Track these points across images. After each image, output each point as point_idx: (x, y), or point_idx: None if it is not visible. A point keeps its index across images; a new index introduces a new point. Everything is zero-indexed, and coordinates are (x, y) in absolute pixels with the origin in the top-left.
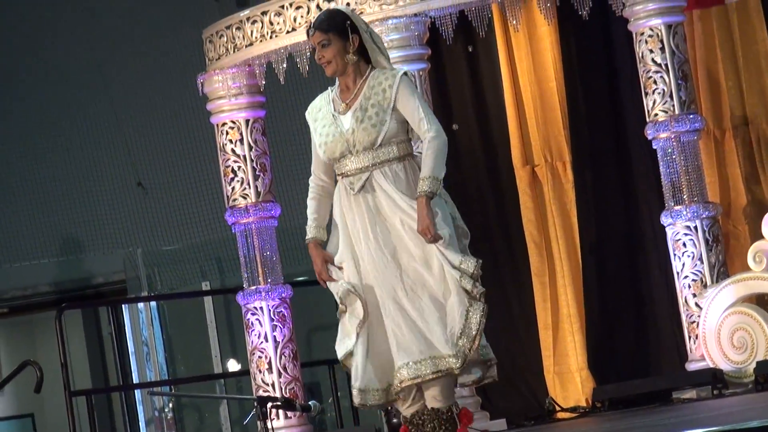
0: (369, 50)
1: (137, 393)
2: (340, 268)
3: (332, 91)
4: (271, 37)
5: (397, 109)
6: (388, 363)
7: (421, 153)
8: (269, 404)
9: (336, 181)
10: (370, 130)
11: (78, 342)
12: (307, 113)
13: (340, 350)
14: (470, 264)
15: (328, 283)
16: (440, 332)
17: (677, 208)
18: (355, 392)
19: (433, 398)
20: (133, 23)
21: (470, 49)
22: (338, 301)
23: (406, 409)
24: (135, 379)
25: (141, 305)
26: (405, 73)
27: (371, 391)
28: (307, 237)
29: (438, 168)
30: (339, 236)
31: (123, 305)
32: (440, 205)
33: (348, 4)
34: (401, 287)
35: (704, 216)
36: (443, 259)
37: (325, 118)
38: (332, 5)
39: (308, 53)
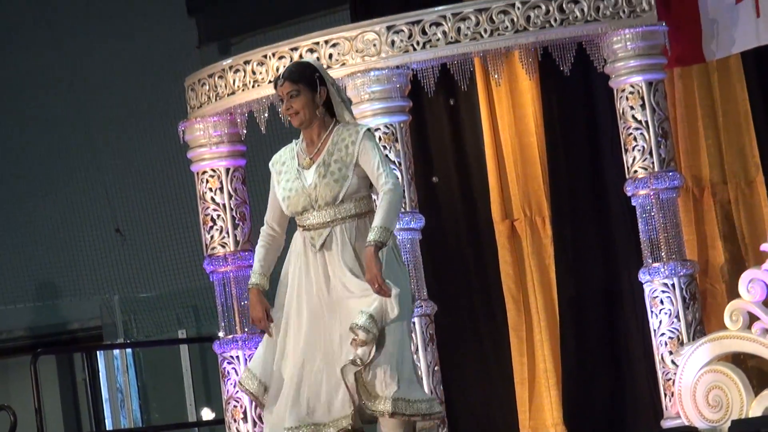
0: (334, 104)
1: None
2: (271, 321)
3: (296, 144)
4: (253, 87)
5: (359, 165)
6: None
7: None
8: None
9: (282, 234)
10: (332, 186)
11: (52, 387)
12: (270, 164)
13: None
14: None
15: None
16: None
17: (655, 265)
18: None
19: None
20: (115, 69)
21: (452, 102)
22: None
23: None
24: (108, 426)
25: (117, 352)
26: (368, 129)
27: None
28: (250, 282)
29: (390, 219)
30: (285, 288)
31: (98, 351)
32: (389, 255)
33: (330, 55)
34: (341, 346)
35: (682, 274)
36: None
37: (289, 172)
38: (313, 56)
39: (282, 112)
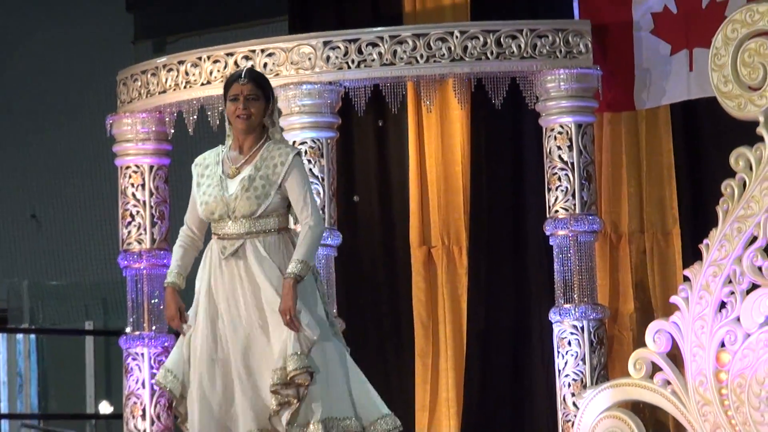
0: (272, 121)
1: (3, 424)
2: (189, 327)
3: (223, 150)
4: (185, 87)
5: (283, 187)
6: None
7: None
8: None
9: (201, 236)
10: (252, 201)
11: None
12: (193, 165)
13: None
14: (295, 366)
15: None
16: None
17: (567, 306)
18: None
19: None
20: (47, 55)
21: (381, 123)
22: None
23: None
24: (3, 410)
25: (20, 336)
26: (298, 154)
27: None
28: (166, 281)
29: (311, 255)
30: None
31: (1, 333)
32: (306, 285)
33: (265, 65)
34: (249, 355)
35: (592, 317)
36: (289, 339)
37: (212, 177)
38: (249, 64)
39: (219, 108)
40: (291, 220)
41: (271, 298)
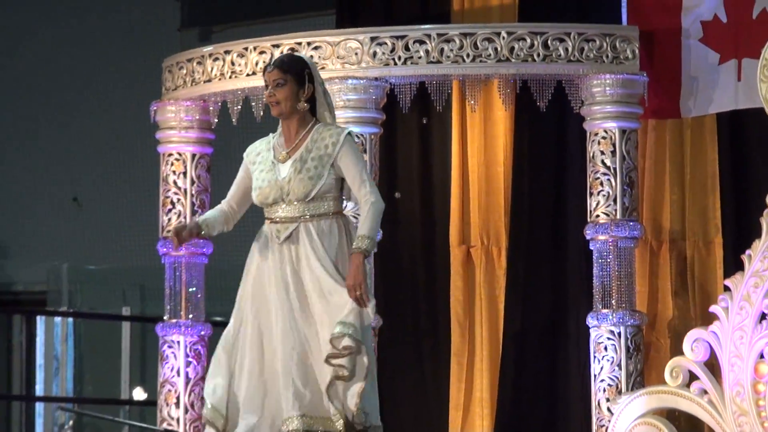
0: (318, 104)
1: (38, 406)
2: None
3: (273, 137)
4: (230, 77)
5: (336, 166)
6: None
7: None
8: None
9: (235, 215)
10: (306, 182)
11: None
12: (246, 153)
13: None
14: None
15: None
16: (322, 394)
17: (604, 311)
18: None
19: None
20: (94, 40)
21: (425, 121)
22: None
23: None
24: (39, 392)
25: (58, 320)
26: (349, 133)
27: None
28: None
29: (375, 230)
30: (248, 279)
31: (39, 317)
32: (369, 273)
33: (311, 57)
34: (300, 339)
35: (629, 323)
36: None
37: (264, 164)
38: (295, 54)
39: (264, 99)
40: (345, 203)
41: (325, 283)
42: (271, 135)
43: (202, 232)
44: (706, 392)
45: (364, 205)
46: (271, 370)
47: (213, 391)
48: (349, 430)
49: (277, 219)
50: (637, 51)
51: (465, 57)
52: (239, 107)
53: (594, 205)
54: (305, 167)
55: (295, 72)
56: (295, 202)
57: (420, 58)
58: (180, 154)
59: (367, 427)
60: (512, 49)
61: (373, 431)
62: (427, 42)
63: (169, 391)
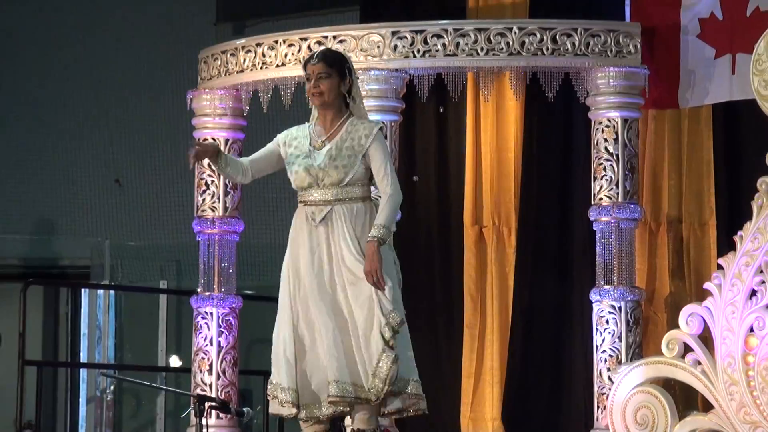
0: (353, 96)
1: (82, 372)
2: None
3: (309, 126)
4: (261, 68)
5: (367, 157)
6: (321, 382)
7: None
8: (207, 403)
9: (251, 174)
10: (340, 170)
11: (36, 316)
12: (282, 134)
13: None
14: (396, 318)
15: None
16: (360, 365)
17: (606, 287)
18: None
19: (359, 420)
20: (133, 29)
21: (441, 110)
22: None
23: (308, 428)
24: (83, 359)
25: (101, 292)
26: (381, 128)
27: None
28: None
29: (392, 220)
30: (289, 261)
31: (84, 289)
32: (387, 252)
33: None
34: (334, 316)
35: (629, 299)
36: (377, 303)
37: (300, 149)
38: (323, 48)
39: (293, 88)
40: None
41: (351, 265)
42: (306, 123)
43: (220, 161)
44: (699, 363)
45: (383, 196)
46: (314, 343)
47: (286, 374)
48: (387, 396)
49: (311, 201)
50: (639, 46)
51: (479, 50)
52: (269, 96)
53: (597, 188)
54: (340, 155)
55: (338, 66)
56: (329, 187)
57: (437, 51)
58: (214, 139)
59: (414, 394)
60: (523, 43)
61: (412, 386)
62: (444, 36)
63: (203, 358)
